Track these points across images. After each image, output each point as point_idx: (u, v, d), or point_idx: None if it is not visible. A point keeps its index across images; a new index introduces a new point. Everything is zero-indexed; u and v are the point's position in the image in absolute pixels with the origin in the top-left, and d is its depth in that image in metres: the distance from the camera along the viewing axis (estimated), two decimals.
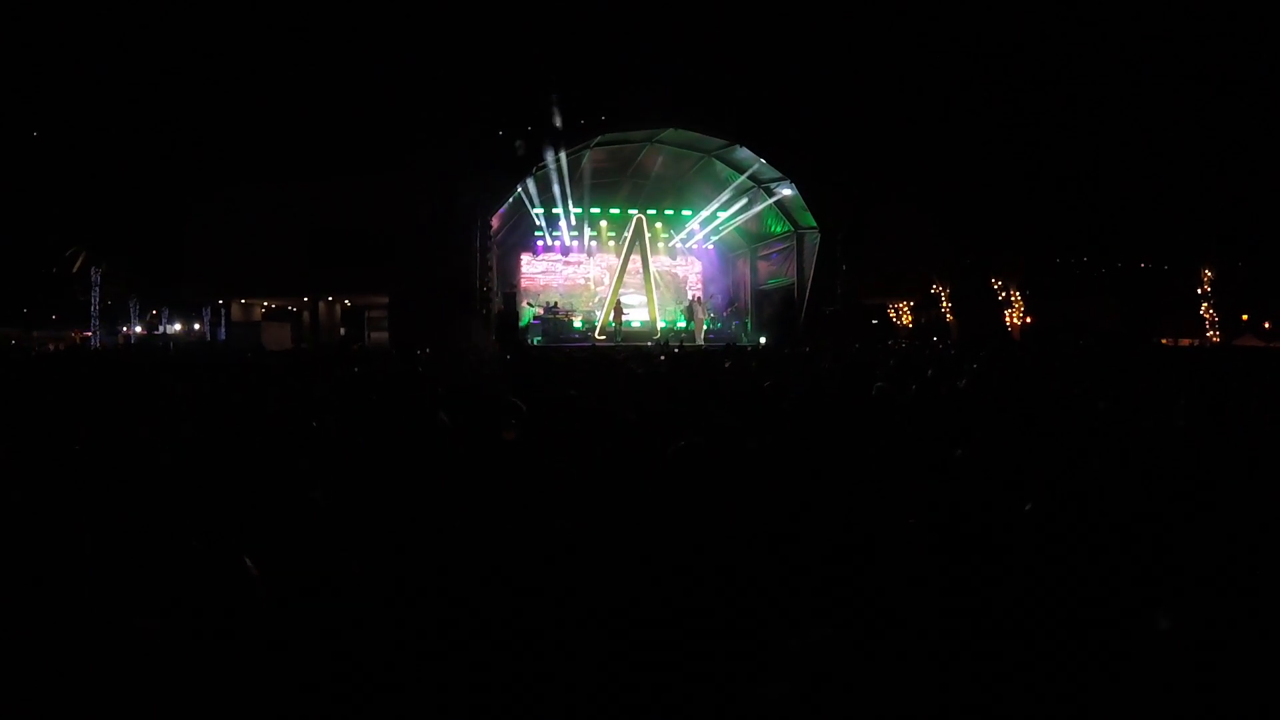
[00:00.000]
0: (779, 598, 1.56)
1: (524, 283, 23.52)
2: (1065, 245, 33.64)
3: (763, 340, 21.26)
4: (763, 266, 24.01)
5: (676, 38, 40.07)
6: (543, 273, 24.28)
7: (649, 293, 22.84)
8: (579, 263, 24.27)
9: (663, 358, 9.52)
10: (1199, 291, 28.20)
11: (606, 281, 23.29)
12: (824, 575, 1.65)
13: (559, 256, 24.15)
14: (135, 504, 2.01)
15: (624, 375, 6.44)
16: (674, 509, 2.01)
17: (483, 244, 18.80)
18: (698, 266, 25.11)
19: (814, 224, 20.47)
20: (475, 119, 21.78)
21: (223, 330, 29.93)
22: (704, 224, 23.23)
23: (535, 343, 19.78)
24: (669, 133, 20.23)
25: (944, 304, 29.73)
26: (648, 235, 22.62)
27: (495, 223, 19.55)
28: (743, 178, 20.71)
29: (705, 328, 21.67)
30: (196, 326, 38.66)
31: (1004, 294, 29.87)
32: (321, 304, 26.62)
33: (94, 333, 30.09)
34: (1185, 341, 25.79)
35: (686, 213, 23.72)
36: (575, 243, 23.81)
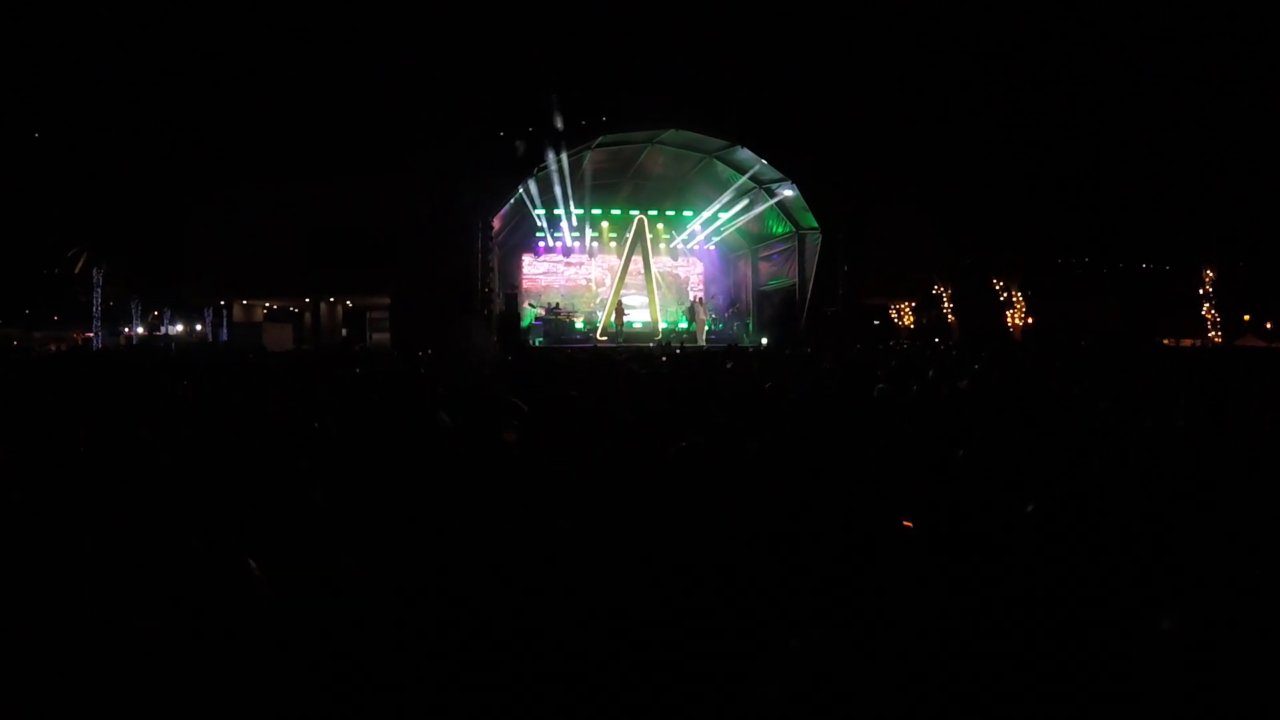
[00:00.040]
0: (779, 598, 1.56)
1: (525, 284, 23.49)
2: (1066, 245, 33.69)
3: (764, 341, 21.26)
4: (764, 267, 23.99)
5: (677, 39, 40.16)
6: (544, 274, 24.24)
7: (650, 294, 22.85)
8: (580, 264, 24.23)
9: (664, 359, 9.52)
10: (1200, 292, 28.21)
11: (608, 282, 23.27)
12: (824, 575, 1.65)
13: (560, 257, 24.11)
14: (136, 504, 2.01)
15: (625, 376, 6.44)
16: (674, 509, 2.01)
17: (484, 245, 18.77)
18: (699, 267, 25.09)
19: (815, 224, 20.47)
20: (476, 119, 21.84)
21: (224, 331, 30.00)
22: (705, 225, 23.22)
23: (537, 343, 19.77)
24: (670, 133, 20.23)
25: (945, 304, 29.77)
26: (649, 236, 22.63)
27: (496, 223, 19.53)
28: (744, 178, 20.72)
29: (707, 329, 21.67)
30: (198, 327, 38.76)
31: (1005, 294, 29.90)
32: (323, 305, 26.70)
33: (95, 333, 30.15)
34: (1186, 342, 25.77)
35: (688, 213, 23.71)
36: (577, 244, 23.79)
